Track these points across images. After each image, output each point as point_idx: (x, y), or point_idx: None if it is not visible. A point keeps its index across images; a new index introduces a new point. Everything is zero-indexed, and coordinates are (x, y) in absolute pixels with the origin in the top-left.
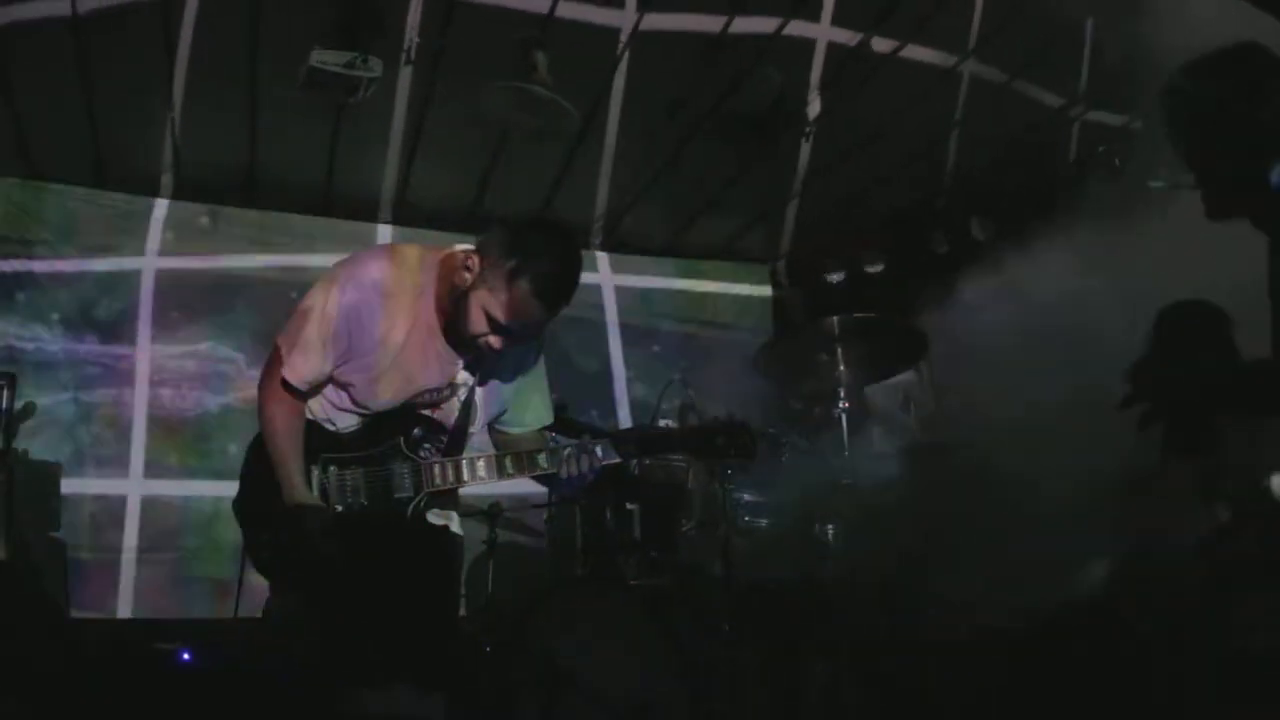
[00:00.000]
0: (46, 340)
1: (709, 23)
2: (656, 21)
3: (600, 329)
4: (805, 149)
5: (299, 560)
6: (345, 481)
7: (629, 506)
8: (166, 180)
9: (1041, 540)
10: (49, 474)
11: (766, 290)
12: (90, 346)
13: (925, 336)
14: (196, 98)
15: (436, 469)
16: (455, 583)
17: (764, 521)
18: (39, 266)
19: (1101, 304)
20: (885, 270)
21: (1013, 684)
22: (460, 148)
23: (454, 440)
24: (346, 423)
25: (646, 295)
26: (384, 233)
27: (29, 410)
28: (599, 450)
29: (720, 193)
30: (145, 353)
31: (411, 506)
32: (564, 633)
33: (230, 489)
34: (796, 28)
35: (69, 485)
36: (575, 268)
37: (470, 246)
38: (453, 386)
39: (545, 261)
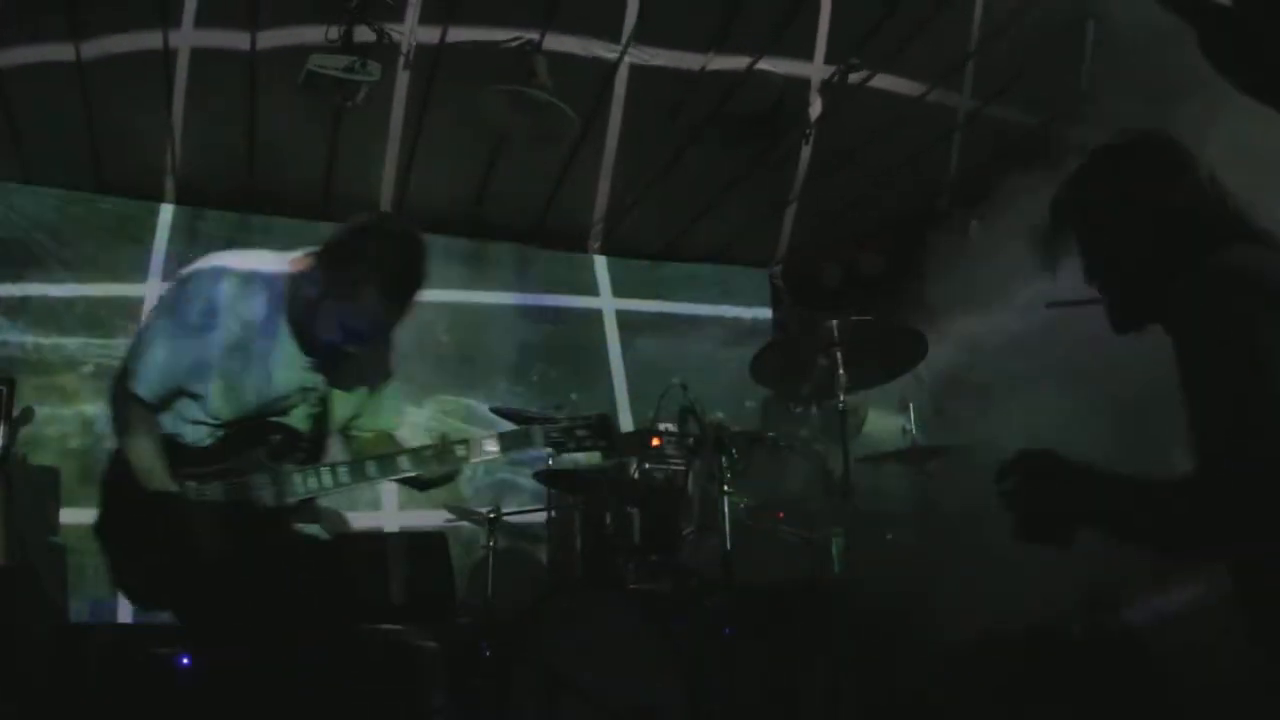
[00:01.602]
0: (45, 344)
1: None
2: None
3: (599, 333)
4: (805, 152)
5: (168, 571)
6: (205, 496)
7: (629, 510)
8: (168, 185)
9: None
10: (48, 479)
11: (765, 293)
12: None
13: (924, 339)
14: (196, 102)
15: (297, 477)
16: (332, 589)
17: (765, 525)
18: (39, 271)
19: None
20: (884, 273)
21: (1016, 689)
22: (459, 151)
23: (312, 447)
24: (197, 435)
25: (645, 301)
26: None
27: (28, 415)
28: (459, 450)
29: (719, 196)
30: None
31: (275, 516)
32: (564, 637)
33: None
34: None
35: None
36: (419, 266)
37: (309, 253)
38: (305, 393)
39: (389, 263)
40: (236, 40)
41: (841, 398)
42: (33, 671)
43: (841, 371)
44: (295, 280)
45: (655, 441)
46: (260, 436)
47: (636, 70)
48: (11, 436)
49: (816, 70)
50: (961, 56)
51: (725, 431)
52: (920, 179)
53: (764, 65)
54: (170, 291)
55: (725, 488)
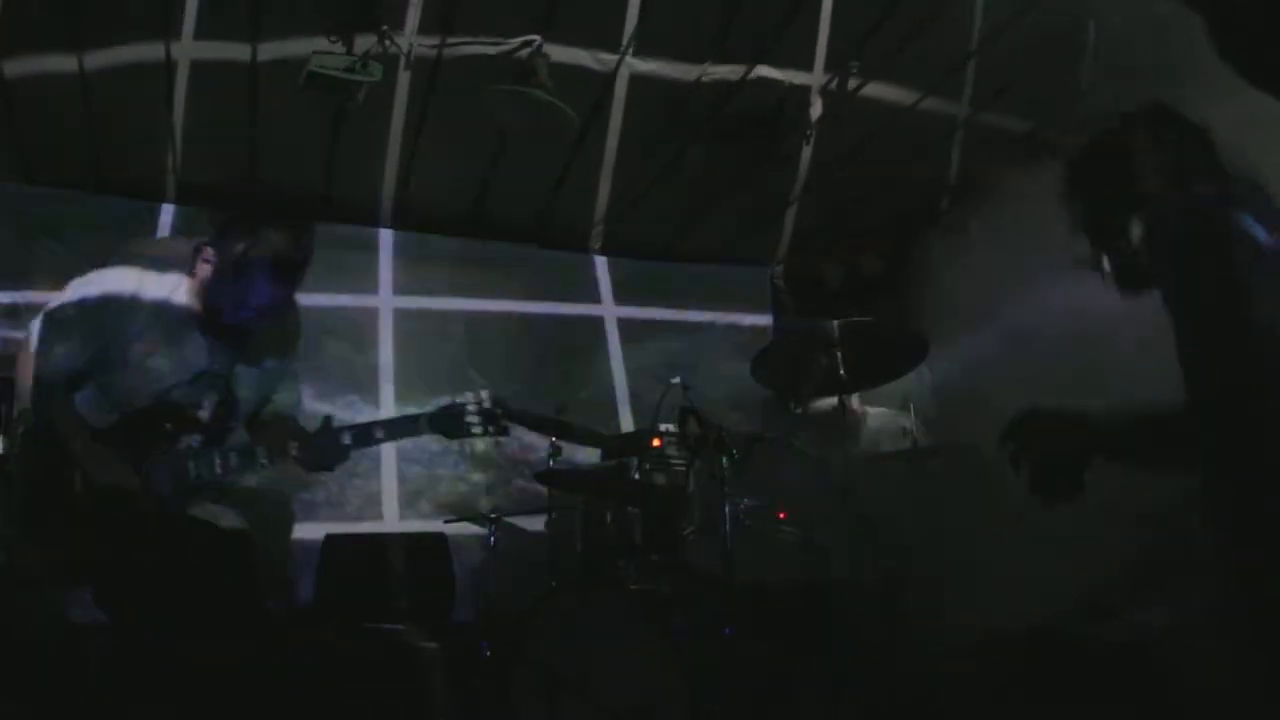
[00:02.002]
0: None
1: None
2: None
3: (599, 332)
4: (806, 152)
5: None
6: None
7: (629, 511)
8: (169, 185)
9: (1045, 544)
10: None
11: (766, 294)
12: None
13: (925, 340)
14: (197, 102)
15: (191, 464)
16: (235, 577)
17: (765, 526)
18: (40, 273)
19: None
20: (885, 274)
21: (1018, 690)
22: (460, 151)
23: (212, 433)
24: (103, 421)
25: (646, 300)
26: (384, 236)
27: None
28: (347, 437)
29: (720, 196)
30: None
31: (174, 503)
32: (564, 637)
33: None
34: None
35: None
36: (306, 239)
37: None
38: (210, 377)
39: (277, 240)
40: (237, 51)
41: (842, 398)
42: (33, 671)
43: (842, 372)
44: (194, 269)
45: (656, 442)
46: (161, 422)
47: (636, 74)
48: (11, 439)
49: (816, 79)
50: (960, 60)
51: (726, 432)
52: (921, 179)
53: (763, 73)
54: (77, 283)
55: (726, 488)
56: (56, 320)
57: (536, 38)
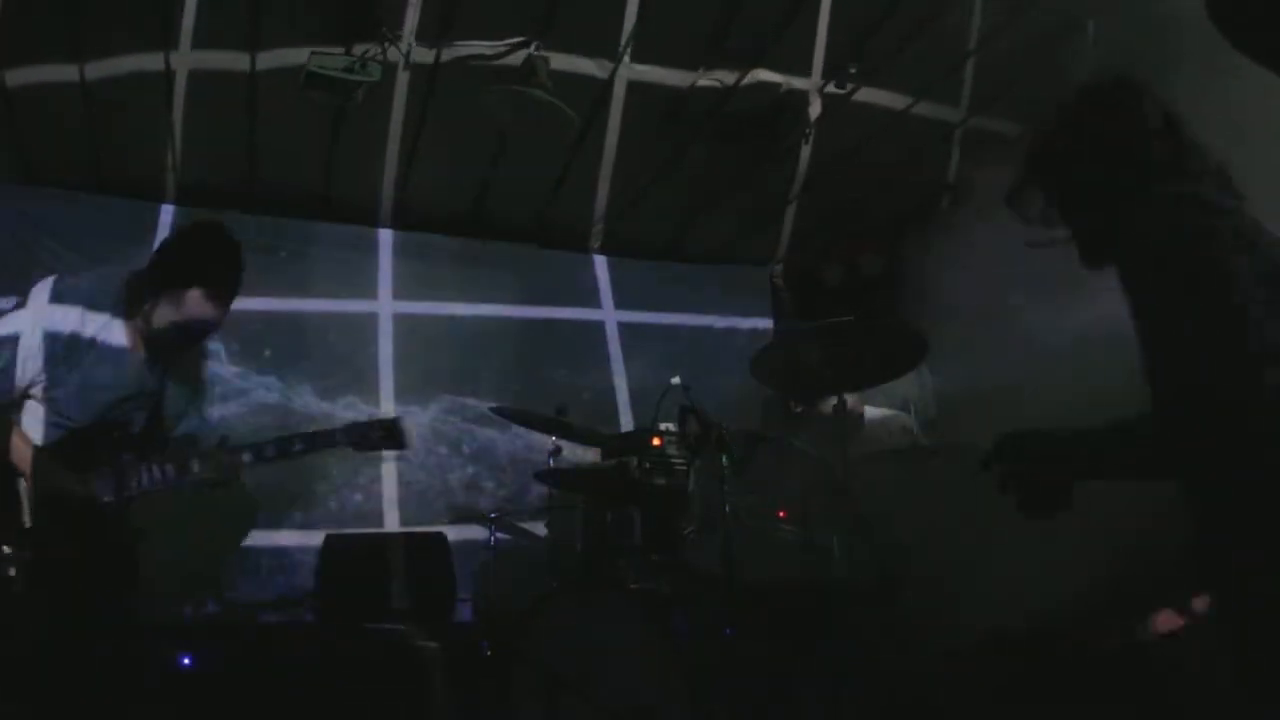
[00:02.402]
0: None
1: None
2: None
3: (599, 333)
4: (805, 151)
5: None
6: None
7: (630, 510)
8: (169, 185)
9: (1043, 543)
10: None
11: (766, 293)
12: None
13: (925, 339)
14: (196, 102)
15: (143, 474)
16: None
17: (765, 525)
18: (43, 273)
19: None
20: (885, 272)
21: (1018, 688)
22: (459, 151)
23: (148, 443)
24: (47, 435)
25: (646, 299)
26: (384, 236)
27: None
28: (246, 456)
29: (719, 196)
30: None
31: (116, 512)
32: (564, 637)
33: None
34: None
35: None
36: (236, 261)
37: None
38: (144, 395)
39: (209, 264)
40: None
41: (841, 398)
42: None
43: (842, 371)
44: (132, 287)
45: (656, 441)
46: (102, 435)
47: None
48: None
49: (814, 80)
50: (958, 61)
51: (726, 431)
52: (920, 179)
53: (761, 75)
54: (29, 300)
55: (726, 487)
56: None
57: (535, 43)
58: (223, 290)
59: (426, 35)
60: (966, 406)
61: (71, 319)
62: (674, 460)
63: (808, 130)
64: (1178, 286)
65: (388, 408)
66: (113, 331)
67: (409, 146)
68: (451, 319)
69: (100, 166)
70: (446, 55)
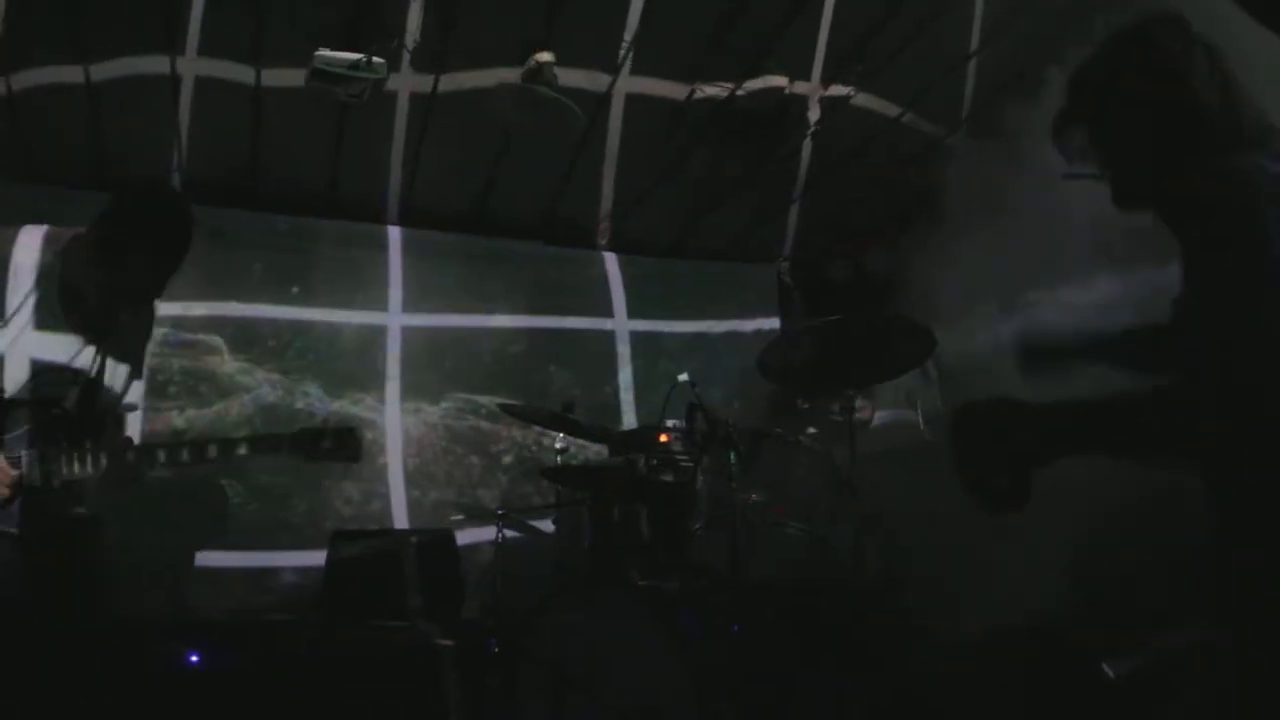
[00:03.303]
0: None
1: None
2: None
3: (606, 329)
4: (808, 148)
5: None
6: None
7: (636, 507)
8: (174, 183)
9: (1050, 540)
10: None
11: (773, 290)
12: None
13: (932, 335)
14: (201, 99)
15: (64, 459)
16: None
17: (772, 521)
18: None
19: None
20: (892, 268)
21: (1025, 685)
22: (465, 148)
23: (80, 426)
24: None
25: (653, 296)
26: (392, 233)
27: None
28: (210, 450)
29: (725, 193)
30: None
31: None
32: (571, 634)
33: None
34: None
35: None
36: (186, 232)
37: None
38: (75, 373)
39: (158, 229)
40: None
41: (848, 394)
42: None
43: (849, 367)
44: (66, 250)
45: (663, 438)
46: (30, 415)
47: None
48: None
49: (814, 80)
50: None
51: (733, 428)
52: (925, 176)
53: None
54: None
55: (733, 484)
56: None
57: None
58: (165, 258)
59: (431, 32)
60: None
61: None
62: (681, 457)
63: (811, 127)
64: (1224, 255)
65: (393, 405)
66: (43, 293)
67: (414, 144)
68: (461, 322)
69: (102, 165)
70: (452, 51)
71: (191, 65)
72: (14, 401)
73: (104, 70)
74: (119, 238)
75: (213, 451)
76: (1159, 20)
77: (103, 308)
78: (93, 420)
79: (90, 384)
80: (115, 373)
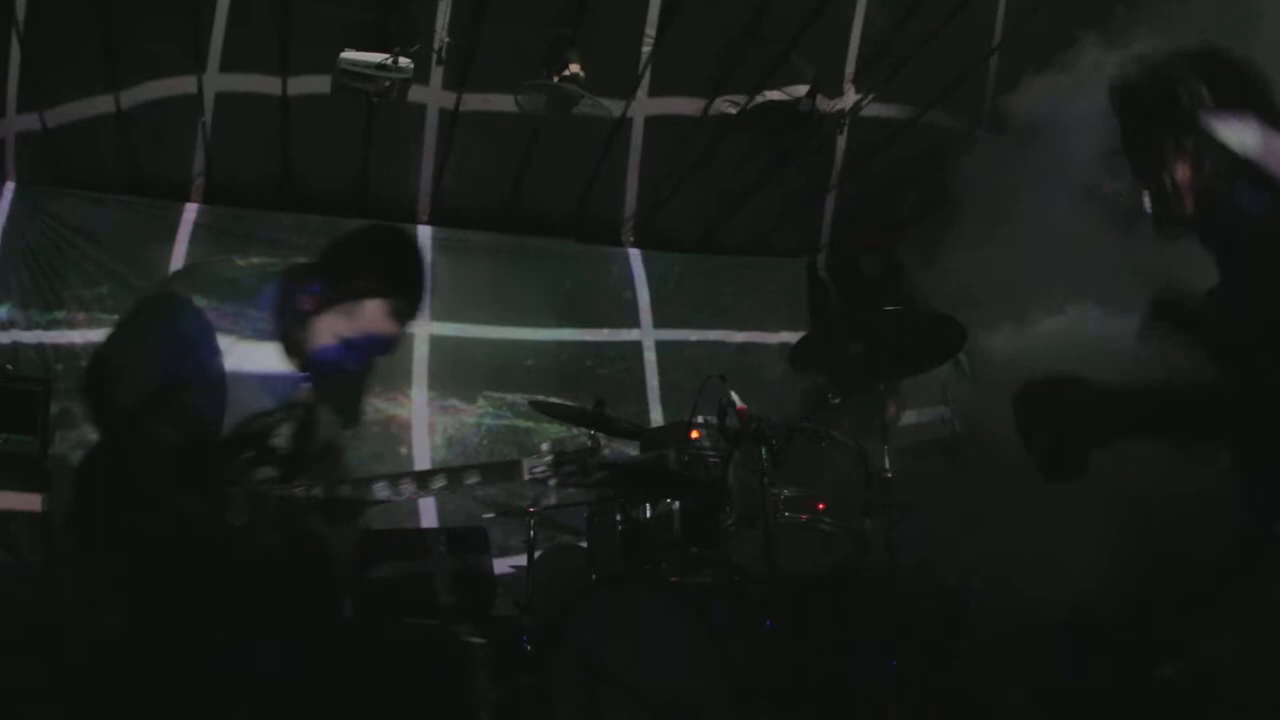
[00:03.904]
0: (80, 344)
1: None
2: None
3: (634, 325)
4: (841, 141)
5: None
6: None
7: (669, 503)
8: (199, 185)
9: (1085, 530)
10: None
11: (804, 284)
12: None
13: (964, 328)
14: (228, 100)
15: (274, 497)
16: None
17: (804, 516)
18: (74, 271)
19: None
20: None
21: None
22: (493, 147)
23: (291, 463)
24: (178, 436)
25: (681, 291)
26: (424, 233)
27: (68, 417)
28: (437, 482)
29: (755, 187)
30: None
31: (248, 534)
32: (604, 630)
33: None
34: None
35: None
36: (422, 275)
37: (308, 261)
38: (289, 410)
39: (395, 275)
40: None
41: (880, 387)
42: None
43: (881, 361)
44: (287, 290)
45: (694, 434)
46: (237, 450)
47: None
48: (49, 437)
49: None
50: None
51: (764, 423)
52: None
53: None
54: (152, 300)
55: (765, 479)
56: (132, 338)
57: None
58: (404, 305)
59: (458, 30)
60: (1003, 394)
61: (210, 314)
62: (712, 453)
63: (843, 121)
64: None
65: (420, 401)
66: (263, 337)
67: (443, 143)
68: (491, 323)
69: (131, 166)
70: (481, 47)
71: (216, 57)
72: (244, 433)
73: (131, 77)
74: (361, 287)
75: (439, 482)
76: (1208, 54)
77: (336, 359)
78: (313, 452)
79: (310, 416)
80: (336, 405)
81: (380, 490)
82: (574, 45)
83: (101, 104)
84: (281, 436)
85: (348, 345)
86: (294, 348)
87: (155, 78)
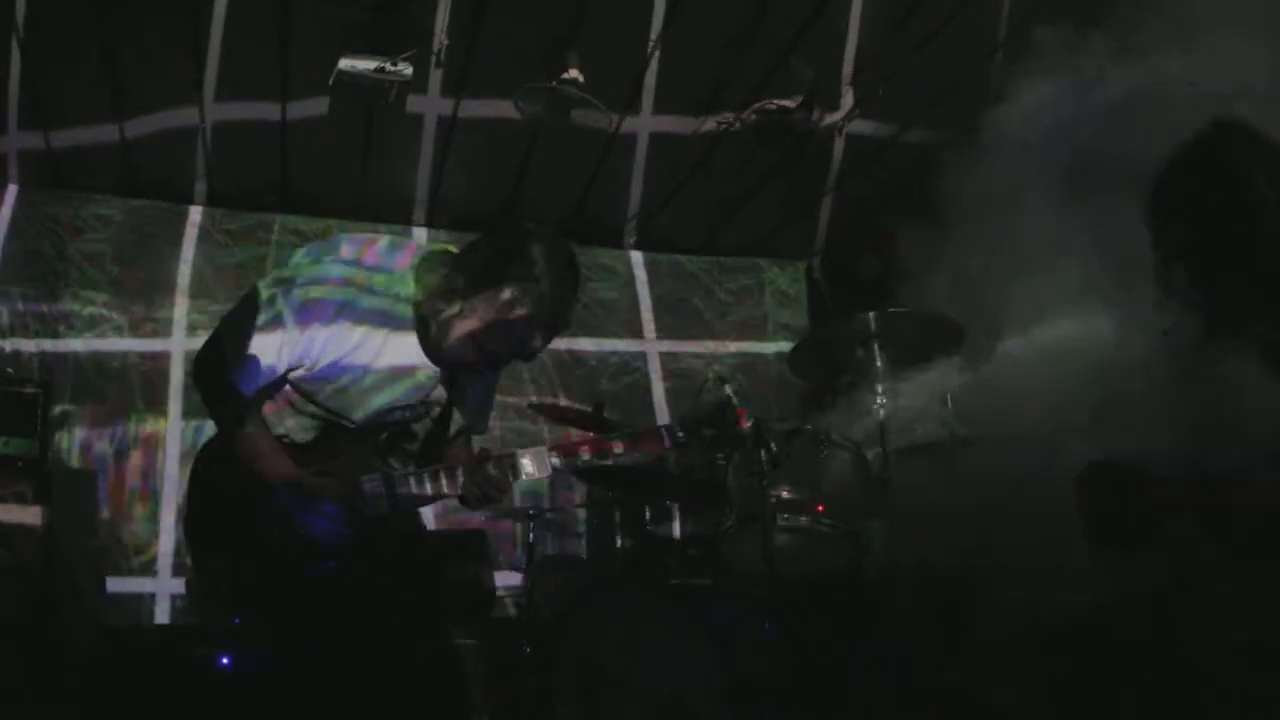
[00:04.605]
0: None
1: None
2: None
3: (635, 323)
4: (839, 143)
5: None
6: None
7: (668, 505)
8: (199, 188)
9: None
10: (87, 481)
11: (802, 286)
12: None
13: (963, 329)
14: (227, 102)
15: (413, 480)
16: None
17: (804, 518)
18: (74, 275)
19: None
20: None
21: (1065, 681)
22: (492, 149)
23: (426, 452)
24: (300, 432)
25: (682, 292)
26: (419, 235)
27: (65, 419)
28: (528, 465)
29: (754, 189)
30: (180, 356)
31: (382, 520)
32: (604, 633)
33: None
34: None
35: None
36: (574, 287)
37: (446, 250)
38: (427, 405)
39: (544, 286)
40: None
41: (879, 389)
42: (72, 674)
43: (879, 362)
44: (428, 286)
45: None
46: (371, 435)
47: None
48: (48, 439)
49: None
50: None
51: (764, 425)
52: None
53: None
54: (284, 277)
55: (765, 481)
56: (252, 326)
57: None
58: (545, 311)
59: (457, 31)
60: (1001, 396)
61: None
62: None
63: (841, 124)
64: None
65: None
66: (404, 333)
67: (441, 145)
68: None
69: (130, 168)
70: (480, 50)
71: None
72: (379, 424)
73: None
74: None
75: (585, 453)
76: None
77: (478, 358)
78: (444, 443)
79: (444, 415)
80: (468, 410)
81: (528, 465)
82: (574, 48)
83: (106, 133)
84: (417, 432)
85: (487, 352)
86: (431, 346)
87: (157, 102)
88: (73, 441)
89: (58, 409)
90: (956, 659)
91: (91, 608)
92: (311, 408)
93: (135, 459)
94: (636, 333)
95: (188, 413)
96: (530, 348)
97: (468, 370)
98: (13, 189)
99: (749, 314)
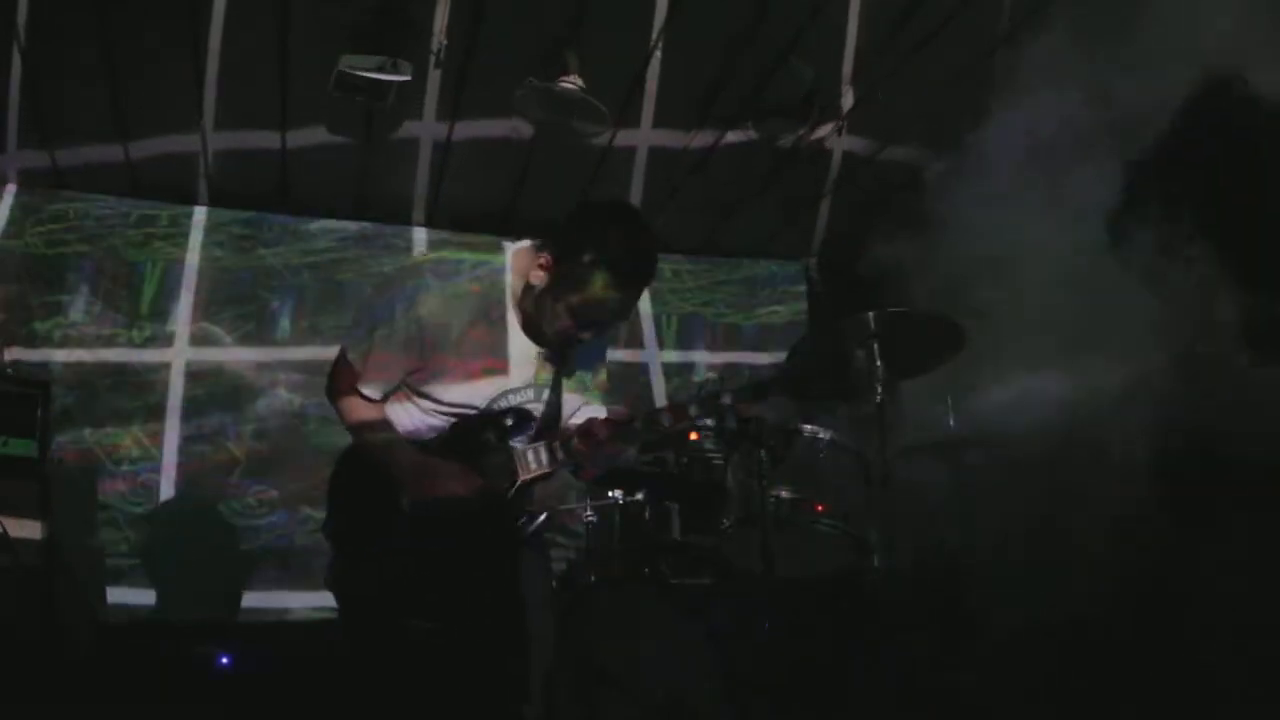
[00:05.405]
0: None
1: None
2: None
3: (635, 324)
4: (839, 144)
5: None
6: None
7: (668, 505)
8: (201, 188)
9: (1083, 534)
10: (87, 482)
11: (802, 287)
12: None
13: (962, 330)
14: (227, 103)
15: (530, 454)
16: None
17: (804, 518)
18: (74, 277)
19: None
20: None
21: (1063, 681)
22: (492, 149)
23: (543, 431)
24: (422, 428)
25: (681, 294)
26: (419, 236)
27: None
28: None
29: (753, 190)
30: (181, 358)
31: (508, 497)
32: (603, 633)
33: None
34: None
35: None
36: (652, 249)
37: (535, 242)
38: (536, 388)
39: (623, 250)
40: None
41: (879, 389)
42: (72, 673)
43: (879, 363)
44: (522, 272)
45: (693, 435)
46: (491, 420)
47: (668, 61)
48: (48, 440)
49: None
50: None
51: (763, 425)
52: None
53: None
54: (402, 281)
55: (764, 481)
56: (378, 334)
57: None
58: (631, 273)
59: (457, 32)
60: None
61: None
62: (711, 454)
63: (840, 124)
64: None
65: None
66: (499, 311)
67: (441, 146)
68: None
69: (132, 170)
70: (480, 49)
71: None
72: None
73: (129, 72)
74: (595, 261)
75: (665, 420)
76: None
77: (571, 332)
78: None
79: (556, 388)
80: (575, 384)
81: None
82: (573, 50)
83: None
84: (531, 410)
85: (579, 319)
86: (532, 325)
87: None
88: (73, 443)
89: (58, 410)
90: (956, 659)
91: (92, 608)
92: (428, 404)
93: (135, 459)
94: (637, 337)
95: (186, 416)
96: (621, 311)
97: (566, 342)
98: (11, 189)
99: (749, 315)
